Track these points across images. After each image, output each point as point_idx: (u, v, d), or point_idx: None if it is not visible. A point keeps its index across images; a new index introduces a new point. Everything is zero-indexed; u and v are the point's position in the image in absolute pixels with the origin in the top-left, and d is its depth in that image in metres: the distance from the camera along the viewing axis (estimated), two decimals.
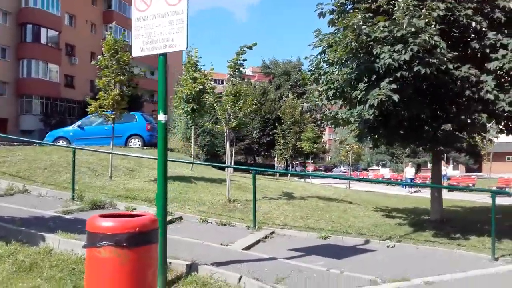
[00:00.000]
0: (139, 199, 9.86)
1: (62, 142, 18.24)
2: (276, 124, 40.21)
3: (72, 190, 9.43)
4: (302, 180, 28.28)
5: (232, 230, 8.26)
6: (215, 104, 10.81)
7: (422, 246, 7.58)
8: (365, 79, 7.21)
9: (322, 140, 42.52)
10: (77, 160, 12.72)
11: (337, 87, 8.37)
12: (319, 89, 9.42)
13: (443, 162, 29.18)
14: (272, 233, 8.37)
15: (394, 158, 44.88)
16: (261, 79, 65.20)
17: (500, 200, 16.80)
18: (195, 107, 14.05)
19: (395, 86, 6.56)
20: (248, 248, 7.01)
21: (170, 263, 5.59)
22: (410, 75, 6.55)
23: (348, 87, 7.77)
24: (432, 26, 6.65)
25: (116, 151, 12.89)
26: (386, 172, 46.50)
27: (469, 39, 7.12)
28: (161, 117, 5.13)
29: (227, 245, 6.93)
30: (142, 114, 19.13)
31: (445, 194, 17.80)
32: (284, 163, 49.31)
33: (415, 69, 6.43)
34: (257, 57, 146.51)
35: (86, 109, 11.09)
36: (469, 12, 6.91)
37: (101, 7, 46.77)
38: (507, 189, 22.56)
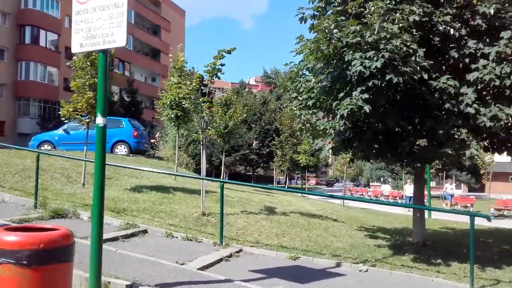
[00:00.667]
0: (107, 209, 9.36)
1: (47, 146, 17.88)
2: (274, 136, 39.76)
3: (34, 197, 8.98)
4: (299, 194, 27.67)
5: (196, 247, 7.75)
6: (192, 111, 10.33)
7: (397, 271, 7.02)
8: (338, 87, 6.76)
9: (328, 154, 41.95)
10: (52, 166, 12.42)
11: (315, 96, 7.91)
12: (299, 98, 8.98)
13: (450, 181, 28.71)
14: (239, 251, 7.85)
15: (394, 174, 44.22)
16: (264, 88, 64.97)
17: (497, 223, 16.26)
18: (179, 114, 13.61)
19: (367, 96, 6.09)
20: (205, 267, 6.49)
21: (109, 282, 5.13)
22: (383, 84, 6.08)
23: (323, 96, 7.32)
24: (406, 33, 6.18)
25: (90, 158, 12.44)
26: (386, 189, 45.77)
27: (448, 48, 6.64)
28: (99, 120, 4.70)
29: (182, 264, 6.42)
30: (129, 120, 18.73)
31: (439, 215, 17.15)
32: (284, 175, 48.76)
33: (387, 77, 5.96)
34: (261, 66, 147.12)
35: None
36: (448, 18, 6.43)
37: None
38: (505, 212, 21.89)
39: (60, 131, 18.12)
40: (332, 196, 11.37)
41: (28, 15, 36.78)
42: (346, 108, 6.03)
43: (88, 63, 10.10)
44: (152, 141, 26.92)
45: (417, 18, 6.35)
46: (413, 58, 6.12)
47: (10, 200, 9.21)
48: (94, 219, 4.63)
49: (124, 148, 17.46)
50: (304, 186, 41.34)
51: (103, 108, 4.69)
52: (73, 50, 4.88)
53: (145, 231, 8.39)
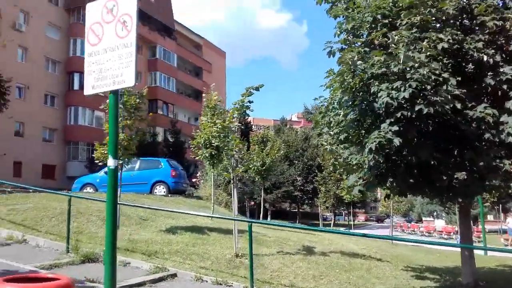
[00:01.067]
0: (138, 251, 9.27)
1: (89, 188, 18.26)
2: (317, 172, 39.10)
3: (66, 242, 8.99)
4: (347, 229, 26.70)
5: None
6: (222, 149, 10.20)
7: None
8: (366, 120, 6.42)
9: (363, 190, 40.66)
10: (89, 208, 12.52)
11: (343, 129, 7.58)
12: (331, 132, 8.66)
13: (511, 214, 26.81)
14: None
15: (447, 208, 42.14)
16: (306, 125, 64.77)
17: None
18: (213, 153, 13.50)
19: (397, 128, 5.71)
20: None
21: None
22: (412, 115, 5.69)
23: (352, 129, 6.98)
24: (435, 61, 5.81)
25: (124, 200, 12.52)
26: (439, 224, 43.54)
27: (483, 75, 6.18)
28: (111, 162, 4.57)
29: None
30: (168, 160, 18.91)
31: (497, 252, 15.94)
32: (330, 212, 47.61)
33: (417, 108, 5.58)
34: (303, 103, 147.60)
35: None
36: (480, 44, 6.03)
37: (146, 56, 48.86)
38: None
39: (101, 173, 18.48)
40: (364, 236, 10.71)
41: (76, 62, 38.79)
42: (374, 142, 5.68)
43: (120, 105, 10.26)
44: (194, 180, 27.06)
45: (446, 46, 5.99)
46: (444, 87, 5.72)
47: (44, 244, 9.26)
48: (107, 264, 4.45)
49: (163, 188, 17.55)
50: (350, 223, 40.05)
51: (114, 150, 4.59)
52: (85, 92, 4.86)
53: (174, 275, 8.15)
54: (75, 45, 40.13)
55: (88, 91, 4.80)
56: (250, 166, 16.67)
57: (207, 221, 13.60)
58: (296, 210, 53.15)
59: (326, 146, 8.53)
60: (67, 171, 38.84)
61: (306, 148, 46.15)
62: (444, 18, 6.83)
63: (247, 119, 68.05)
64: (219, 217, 11.00)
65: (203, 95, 14.89)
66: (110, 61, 4.63)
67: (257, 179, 16.70)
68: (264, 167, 15.88)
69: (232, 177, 9.80)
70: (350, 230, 31.07)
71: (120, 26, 4.59)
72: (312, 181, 43.97)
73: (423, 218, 61.32)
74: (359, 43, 7.67)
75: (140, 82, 47.46)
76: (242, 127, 14.28)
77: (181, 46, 54.70)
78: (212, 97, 14.14)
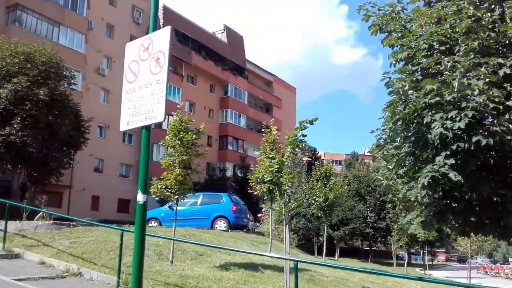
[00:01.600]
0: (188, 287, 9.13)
1: (154, 223, 18.65)
2: (389, 208, 37.29)
3: (117, 276, 9.03)
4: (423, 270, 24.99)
5: None
6: (275, 185, 9.96)
7: None
8: (421, 153, 5.91)
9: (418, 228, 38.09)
10: (146, 242, 12.67)
11: (397, 162, 7.07)
12: (389, 167, 8.13)
13: None
14: None
15: None
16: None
17: None
18: (271, 188, 13.29)
19: (453, 161, 5.17)
20: None
21: None
22: (470, 147, 5.13)
23: (405, 163, 6.47)
24: (496, 88, 5.24)
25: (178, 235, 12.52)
26: None
27: None
28: (140, 197, 4.56)
29: None
30: (229, 195, 18.94)
31: None
32: (404, 250, 44.99)
33: (474, 139, 5.03)
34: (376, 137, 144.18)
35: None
36: None
37: (219, 94, 50.50)
38: None
39: (165, 207, 18.88)
40: (420, 279, 9.78)
41: None
42: (427, 176, 5.19)
43: (178, 141, 10.46)
44: (259, 215, 26.84)
45: (508, 71, 5.42)
46: (506, 115, 5.14)
47: (97, 278, 9.36)
48: None
49: (224, 223, 17.50)
50: (426, 263, 37.40)
51: (143, 185, 4.56)
52: (121, 128, 4.95)
53: None
54: None
55: (123, 127, 4.88)
56: (312, 202, 16.23)
57: (264, 258, 13.24)
58: (368, 248, 50.82)
59: (383, 182, 7.99)
60: None
61: (378, 183, 44.44)
62: (506, 42, 6.26)
63: (317, 153, 67.43)
64: (256, 254, 10.56)
65: (263, 130, 14.85)
66: (143, 97, 4.70)
67: (319, 214, 16.14)
68: (327, 203, 15.33)
69: (283, 213, 9.48)
70: (410, 273, 28.91)
71: (154, 63, 4.65)
72: (385, 218, 41.99)
73: (510, 259, 56.02)
74: (413, 72, 7.23)
75: (212, 118, 49.01)
76: (313, 162, 13.99)
77: (252, 84, 55.90)
78: (272, 131, 14.10)
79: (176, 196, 10.83)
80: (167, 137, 10.96)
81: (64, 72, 22.00)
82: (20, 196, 21.17)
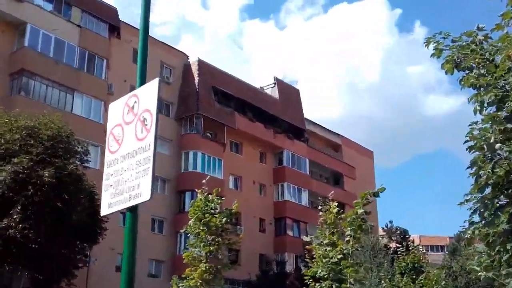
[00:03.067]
0: None
1: None
2: None
3: None
4: None
5: None
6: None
7: None
8: None
9: None
10: None
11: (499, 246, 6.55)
12: (492, 253, 7.55)
13: None
14: None
15: None
16: None
17: None
18: (334, 286, 12.70)
19: None
20: None
21: None
22: None
23: (507, 246, 5.98)
24: None
25: None
26: None
27: None
28: None
29: None
30: None
31: None
32: None
33: None
34: None
35: None
36: None
37: (271, 164, 50.72)
38: None
39: None
40: None
41: (186, 179, 41.67)
42: None
43: (202, 227, 10.37)
44: None
45: None
46: None
47: None
48: None
49: None
50: None
51: (128, 283, 4.46)
52: (102, 213, 4.92)
53: None
54: (187, 160, 43.41)
55: (104, 210, 4.86)
56: None
57: None
58: None
59: (480, 273, 7.38)
60: None
61: (476, 276, 41.58)
62: None
63: (409, 237, 64.81)
64: None
65: (319, 208, 14.50)
66: (128, 170, 4.70)
67: None
68: None
69: None
70: None
71: (140, 126, 4.67)
72: None
73: None
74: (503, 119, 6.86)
75: (264, 196, 49.03)
76: (397, 247, 13.42)
77: (314, 149, 55.96)
78: (331, 209, 13.74)
79: None
80: (190, 221, 10.90)
81: (76, 148, 23.03)
82: None
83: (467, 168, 6.28)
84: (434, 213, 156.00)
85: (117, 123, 5.00)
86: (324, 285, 12.94)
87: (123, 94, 5.00)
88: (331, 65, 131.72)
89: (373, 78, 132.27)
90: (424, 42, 8.48)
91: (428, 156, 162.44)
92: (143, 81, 4.99)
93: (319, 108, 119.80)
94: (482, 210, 6.45)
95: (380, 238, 51.64)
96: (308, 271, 13.70)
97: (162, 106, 42.64)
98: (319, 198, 16.35)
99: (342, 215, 12.87)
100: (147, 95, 4.74)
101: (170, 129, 43.06)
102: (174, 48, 47.31)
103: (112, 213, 4.84)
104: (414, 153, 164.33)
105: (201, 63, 46.28)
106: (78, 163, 22.90)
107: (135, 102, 4.84)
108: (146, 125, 4.62)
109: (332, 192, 14.91)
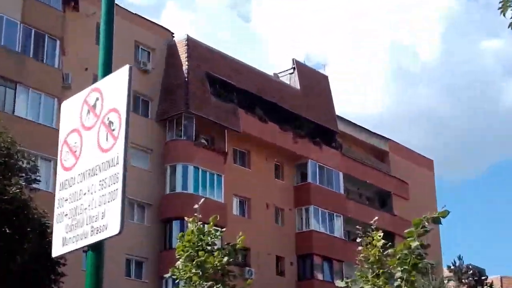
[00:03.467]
0: None
1: None
2: None
3: None
4: None
5: None
6: None
7: None
8: None
9: None
10: None
11: None
12: None
13: None
14: None
15: None
16: None
17: None
18: None
19: None
20: None
21: None
22: None
23: None
24: None
25: None
26: None
27: None
28: None
29: None
30: None
31: None
32: None
33: None
34: None
35: None
36: None
37: (291, 180, 50.59)
38: None
39: None
40: None
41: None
42: None
43: (195, 270, 10.45)
44: None
45: None
46: None
47: None
48: None
49: None
50: None
51: None
52: (54, 253, 4.94)
53: None
54: (173, 177, 43.41)
55: (56, 250, 4.91)
56: None
57: None
58: None
59: None
60: None
61: None
62: None
63: (485, 279, 64.10)
64: None
65: (359, 240, 14.51)
66: (89, 193, 4.69)
67: None
68: None
69: None
70: None
71: (105, 132, 4.68)
72: None
73: None
74: None
75: (283, 226, 48.87)
76: None
77: (351, 158, 55.68)
78: (374, 243, 13.81)
79: None
80: (178, 262, 10.96)
81: (20, 163, 23.07)
82: None
83: None
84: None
85: (73, 129, 5.00)
86: None
87: (85, 87, 5.01)
88: (372, 42, 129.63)
89: (432, 58, 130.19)
90: (499, 8, 8.47)
91: (506, 167, 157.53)
92: (108, 69, 5.01)
93: (356, 102, 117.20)
94: None
95: (445, 281, 51.31)
96: None
97: (138, 103, 42.66)
98: (358, 226, 16.38)
99: (390, 250, 12.88)
100: (114, 88, 4.74)
101: (149, 135, 43.04)
102: (154, 23, 47.63)
103: (68, 252, 4.87)
104: (492, 162, 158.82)
105: (191, 42, 46.32)
106: (24, 183, 22.93)
107: (97, 98, 4.85)
108: (113, 130, 4.61)
109: (376, 217, 14.95)
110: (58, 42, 38.22)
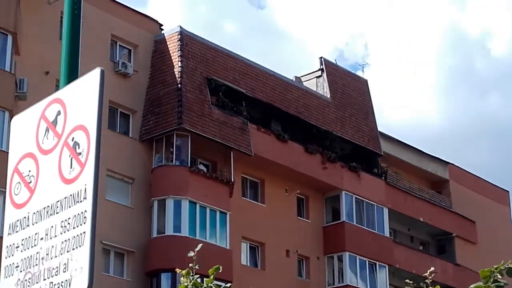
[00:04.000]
0: None
1: None
2: None
3: None
4: None
5: None
6: None
7: None
8: None
9: None
10: None
11: None
12: None
13: None
14: None
15: None
16: None
17: None
18: None
19: None
20: None
21: None
22: None
23: None
24: None
25: None
26: None
27: None
28: None
29: None
30: None
31: None
32: None
33: None
34: None
35: None
36: None
37: (319, 219, 50.60)
38: None
39: None
40: None
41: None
42: None
43: None
44: None
45: None
46: None
47: None
48: None
49: None
50: None
51: None
52: None
53: None
54: (161, 215, 43.54)
55: None
56: None
57: None
58: None
59: None
60: None
61: None
62: None
63: None
64: None
65: None
66: (46, 237, 4.70)
67: None
68: None
69: None
70: None
71: (68, 157, 4.68)
72: None
73: None
74: None
75: (309, 278, 48.88)
76: None
77: (399, 189, 55.63)
78: None
79: None
80: None
81: None
82: None
83: None
84: None
85: (27, 153, 5.03)
86: None
87: (45, 96, 4.97)
88: (427, 34, 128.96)
89: (506, 56, 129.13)
90: None
91: None
92: (73, 74, 5.04)
93: (404, 114, 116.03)
94: None
95: None
96: None
97: (115, 118, 42.87)
98: (408, 280, 16.35)
99: None
100: (81, 99, 4.75)
101: (130, 159, 43.26)
102: (136, 11, 47.74)
103: None
104: None
105: (185, 37, 46.59)
106: None
107: (59, 112, 4.86)
108: (80, 154, 4.62)
109: (433, 268, 14.87)
110: (10, 39, 38.40)
